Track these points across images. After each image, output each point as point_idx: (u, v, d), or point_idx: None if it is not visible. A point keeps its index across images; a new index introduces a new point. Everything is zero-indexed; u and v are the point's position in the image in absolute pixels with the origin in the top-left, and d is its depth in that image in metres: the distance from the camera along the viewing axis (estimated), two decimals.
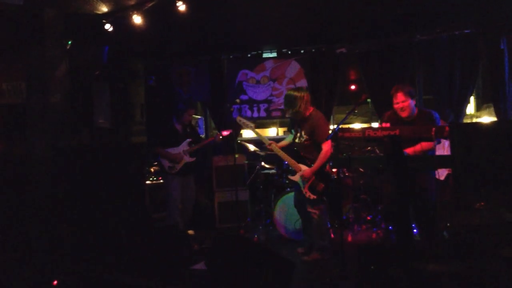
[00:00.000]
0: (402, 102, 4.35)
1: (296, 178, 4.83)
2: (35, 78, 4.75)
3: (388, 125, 4.24)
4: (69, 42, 5.18)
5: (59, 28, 4.93)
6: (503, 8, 5.62)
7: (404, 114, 4.38)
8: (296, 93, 4.70)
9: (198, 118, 8.06)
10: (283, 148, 4.97)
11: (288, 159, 4.87)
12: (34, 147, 4.60)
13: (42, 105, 4.70)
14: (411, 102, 4.36)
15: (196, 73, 7.52)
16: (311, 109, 4.79)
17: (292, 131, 5.01)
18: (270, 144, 4.94)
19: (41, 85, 4.73)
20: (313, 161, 4.72)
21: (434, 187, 4.41)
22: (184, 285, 4.28)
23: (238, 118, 5.21)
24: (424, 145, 4.14)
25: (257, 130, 5.14)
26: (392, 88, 4.50)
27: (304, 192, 4.76)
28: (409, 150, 4.24)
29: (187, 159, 5.52)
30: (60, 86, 4.87)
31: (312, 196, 4.73)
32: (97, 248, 4.87)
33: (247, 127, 5.11)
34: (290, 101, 4.70)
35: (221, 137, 5.60)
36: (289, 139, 5.11)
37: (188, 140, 5.58)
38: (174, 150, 5.50)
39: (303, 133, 4.77)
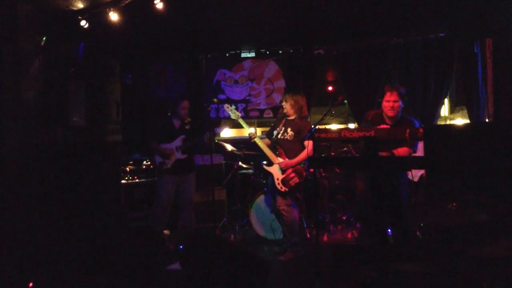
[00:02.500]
0: (394, 102, 4.33)
1: (271, 168, 4.92)
2: (8, 74, 4.64)
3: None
4: (44, 38, 5.07)
5: (34, 24, 4.83)
6: (477, 12, 5.73)
7: (391, 113, 4.35)
8: (301, 99, 4.96)
9: None
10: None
11: (267, 151, 4.98)
12: (5, 144, 4.49)
13: (15, 102, 4.59)
14: (401, 105, 4.36)
15: (173, 72, 7.47)
16: (303, 111, 5.01)
17: (274, 132, 5.08)
18: (252, 134, 5.02)
19: (14, 82, 4.62)
20: (290, 157, 4.87)
21: (406, 188, 4.46)
22: (159, 286, 4.25)
23: (226, 105, 5.34)
24: (400, 151, 4.16)
25: (234, 129, 5.17)
26: (384, 86, 4.52)
27: (276, 184, 4.85)
28: (384, 154, 4.27)
29: (178, 155, 5.33)
30: (33, 83, 4.77)
31: (284, 188, 4.82)
32: (71, 249, 4.80)
33: (234, 114, 5.19)
34: (299, 107, 4.94)
35: (208, 138, 5.37)
36: (266, 140, 5.19)
37: (182, 136, 5.40)
38: (166, 146, 5.35)
39: (289, 129, 4.92)
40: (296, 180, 4.84)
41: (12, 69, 4.65)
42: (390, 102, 4.35)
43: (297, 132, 4.90)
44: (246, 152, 5.99)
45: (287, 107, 4.97)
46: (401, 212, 4.35)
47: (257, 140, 4.99)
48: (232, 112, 5.23)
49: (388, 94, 4.37)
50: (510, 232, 2.66)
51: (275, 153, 4.96)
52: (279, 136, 4.98)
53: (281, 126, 5.03)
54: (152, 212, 5.48)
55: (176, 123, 5.46)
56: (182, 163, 5.37)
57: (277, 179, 4.87)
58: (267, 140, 5.17)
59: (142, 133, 6.81)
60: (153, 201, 5.59)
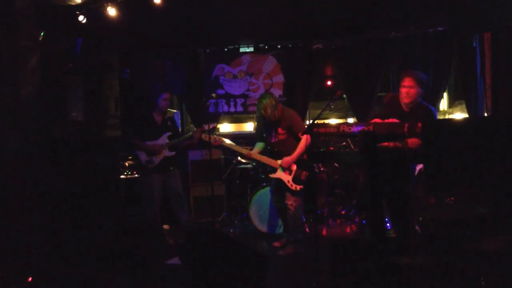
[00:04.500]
0: (409, 87, 4.13)
1: (277, 174, 4.87)
2: (6, 70, 4.63)
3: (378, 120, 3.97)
4: (42, 34, 5.06)
5: (31, 19, 4.80)
6: (476, 6, 5.72)
7: (407, 100, 4.17)
8: (265, 103, 4.70)
9: (174, 112, 7.99)
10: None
11: (265, 160, 4.94)
12: (3, 140, 4.49)
13: (13, 97, 4.58)
14: (419, 91, 4.16)
15: (172, 67, 7.44)
16: (280, 107, 4.86)
17: (264, 135, 5.04)
18: (248, 151, 4.99)
19: (12, 77, 4.61)
20: (289, 155, 4.82)
21: (409, 182, 4.45)
22: (158, 280, 4.26)
23: (213, 138, 5.04)
24: (409, 142, 3.94)
25: (230, 142, 5.11)
26: (401, 73, 4.42)
27: (289, 186, 4.80)
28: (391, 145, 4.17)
29: (167, 153, 5.28)
30: (31, 78, 4.75)
31: (299, 187, 4.79)
32: (70, 244, 4.80)
33: (216, 142, 5.03)
34: (273, 108, 4.70)
35: (198, 135, 5.31)
36: (259, 146, 5.14)
37: (168, 133, 5.36)
38: (151, 143, 5.27)
39: (279, 130, 4.86)
40: (305, 173, 4.81)
41: (10, 64, 4.64)
42: (405, 88, 4.16)
43: (288, 128, 4.85)
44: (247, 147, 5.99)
45: (262, 113, 4.79)
46: (401, 205, 4.34)
47: (255, 155, 4.96)
48: (220, 141, 5.07)
49: (404, 79, 4.20)
50: (508, 226, 2.67)
51: (273, 157, 4.93)
52: (272, 140, 4.95)
53: (268, 128, 4.97)
54: (146, 213, 5.39)
55: (157, 118, 5.38)
56: (168, 160, 5.31)
57: (288, 181, 4.82)
58: (261, 145, 5.12)
59: (122, 130, 6.62)
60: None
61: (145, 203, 5.35)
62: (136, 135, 5.30)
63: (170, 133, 5.38)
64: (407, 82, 4.18)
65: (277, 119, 4.82)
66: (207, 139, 5.01)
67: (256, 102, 7.33)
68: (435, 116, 4.29)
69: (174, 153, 5.35)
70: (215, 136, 5.07)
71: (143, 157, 5.26)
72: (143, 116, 5.48)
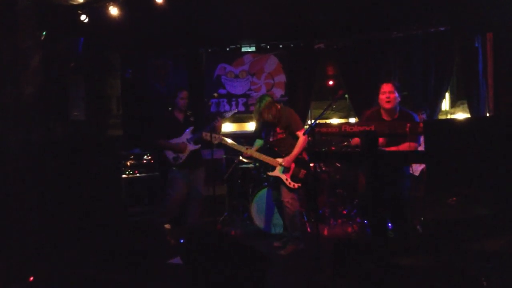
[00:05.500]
0: (389, 93, 4.24)
1: (276, 172, 4.90)
2: (7, 70, 4.64)
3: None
4: (44, 33, 5.06)
5: (33, 18, 4.81)
6: (477, 6, 5.71)
7: (388, 106, 4.27)
8: (266, 104, 4.80)
9: None
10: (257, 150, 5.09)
11: (265, 158, 4.98)
12: (5, 139, 4.49)
13: (14, 97, 4.58)
14: (397, 97, 4.28)
15: (173, 66, 7.45)
16: (278, 106, 4.93)
17: (263, 134, 5.08)
18: (247, 149, 5.02)
19: (14, 77, 4.62)
20: (288, 153, 4.86)
21: (407, 183, 4.45)
22: (160, 280, 4.26)
23: (214, 136, 5.06)
24: (412, 146, 4.03)
25: (231, 141, 5.13)
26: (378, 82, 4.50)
27: (287, 184, 4.83)
28: (393, 149, 4.18)
29: (192, 147, 5.25)
30: (33, 78, 4.76)
31: (297, 185, 4.83)
32: (71, 244, 4.81)
33: (217, 140, 5.05)
34: (269, 110, 4.80)
35: (220, 123, 5.29)
36: (258, 143, 5.19)
37: (190, 128, 5.33)
38: (176, 140, 5.26)
39: (277, 130, 4.91)
40: (303, 172, 4.87)
41: (11, 64, 4.64)
42: (386, 93, 4.26)
43: (286, 127, 4.89)
44: (247, 147, 5.99)
45: (260, 115, 4.86)
46: (401, 206, 4.35)
47: (253, 153, 4.99)
48: (214, 139, 5.07)
49: (383, 86, 4.31)
50: (509, 226, 2.67)
51: (273, 156, 4.95)
52: (271, 139, 4.98)
53: (266, 128, 5.01)
54: (162, 206, 5.35)
55: (179, 116, 5.39)
56: (195, 155, 5.31)
57: (286, 179, 4.85)
58: (260, 142, 5.16)
59: (142, 131, 6.61)
60: (155, 196, 5.52)
61: (169, 198, 5.29)
62: (160, 136, 5.29)
63: (193, 127, 5.35)
64: (386, 88, 4.28)
65: (275, 120, 4.86)
66: (208, 137, 5.04)
67: None
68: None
69: (199, 146, 5.33)
70: (215, 135, 5.07)
71: (170, 154, 5.26)
72: (163, 115, 5.48)
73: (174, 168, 5.30)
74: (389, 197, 4.08)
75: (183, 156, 5.25)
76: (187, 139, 5.29)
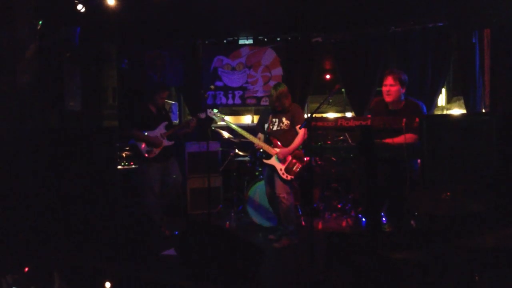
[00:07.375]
0: (390, 86, 4.22)
1: (272, 160, 4.95)
2: (4, 59, 4.61)
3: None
4: (40, 22, 5.03)
5: (30, 8, 4.78)
6: (476, 2, 5.71)
7: (388, 99, 4.25)
8: (284, 90, 4.96)
9: (172, 104, 7.98)
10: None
11: (264, 146, 5.04)
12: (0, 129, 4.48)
13: (10, 86, 4.56)
14: (400, 89, 4.23)
15: (170, 58, 7.41)
16: (290, 98, 5.07)
17: (266, 125, 5.12)
18: (258, 145, 5.12)
19: (10, 66, 4.60)
20: (287, 146, 4.93)
21: (405, 177, 4.44)
22: (154, 271, 4.27)
23: (209, 111, 5.28)
24: (408, 137, 3.89)
25: (237, 128, 5.28)
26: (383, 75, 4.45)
27: (281, 174, 4.87)
28: (389, 141, 4.04)
29: (166, 142, 5.26)
30: (29, 67, 4.74)
31: (289, 177, 4.87)
32: (66, 234, 4.80)
33: (218, 118, 5.29)
34: (285, 98, 4.96)
35: (194, 123, 5.35)
36: (261, 135, 5.26)
37: (165, 123, 5.33)
38: (151, 133, 5.24)
39: (283, 119, 4.99)
40: (298, 165, 4.90)
41: (7, 53, 4.62)
42: (386, 86, 4.25)
43: (291, 119, 4.96)
44: (243, 140, 5.98)
45: (274, 101, 4.97)
46: (396, 200, 4.35)
47: (261, 144, 5.06)
48: (216, 116, 5.29)
49: (385, 78, 4.29)
50: (502, 222, 2.68)
51: (270, 145, 4.98)
52: (274, 129, 5.02)
53: (271, 118, 5.07)
54: (145, 203, 5.34)
55: (153, 109, 5.34)
56: (167, 149, 5.30)
57: (280, 169, 4.90)
58: (261, 135, 5.22)
59: (119, 122, 6.57)
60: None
61: (144, 192, 5.29)
62: (134, 126, 5.25)
63: (167, 122, 5.35)
64: (387, 81, 4.26)
65: (285, 109, 4.98)
66: (212, 114, 5.28)
67: (254, 95, 7.39)
68: (423, 111, 4.28)
69: (172, 142, 5.34)
70: (212, 110, 5.28)
71: (144, 147, 5.23)
72: (138, 107, 5.41)
73: (145, 161, 5.25)
74: (384, 191, 4.08)
75: (157, 150, 5.23)
76: (161, 134, 5.27)
